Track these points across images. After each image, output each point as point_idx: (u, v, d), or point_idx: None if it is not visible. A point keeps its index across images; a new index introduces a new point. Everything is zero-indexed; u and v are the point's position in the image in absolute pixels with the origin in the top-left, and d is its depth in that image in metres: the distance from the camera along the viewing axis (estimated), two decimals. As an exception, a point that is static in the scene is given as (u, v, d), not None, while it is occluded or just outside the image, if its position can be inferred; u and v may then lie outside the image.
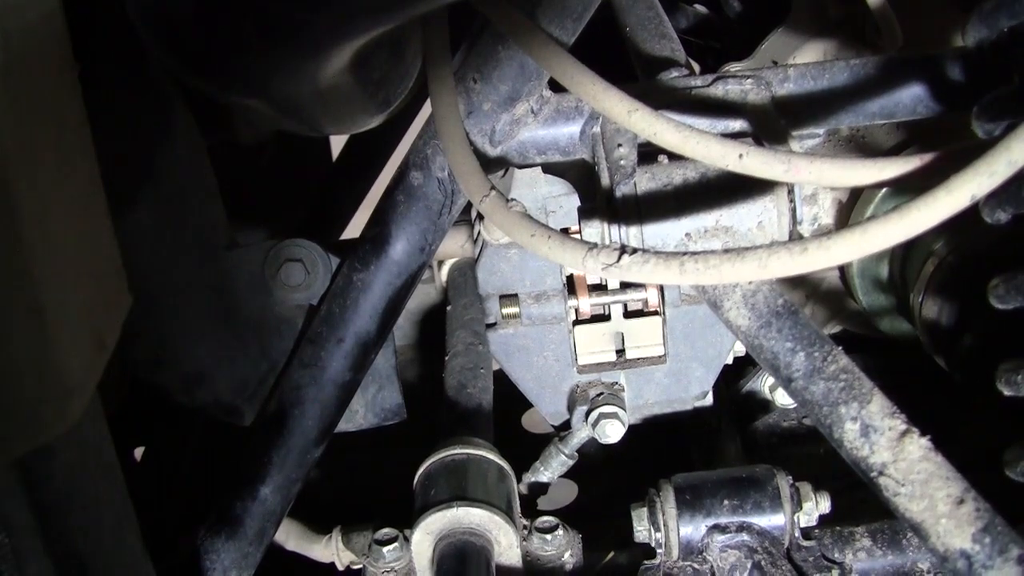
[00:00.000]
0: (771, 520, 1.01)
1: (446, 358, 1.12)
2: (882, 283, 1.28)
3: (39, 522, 0.57)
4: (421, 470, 1.04)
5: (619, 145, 0.89)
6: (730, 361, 1.15)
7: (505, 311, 1.13)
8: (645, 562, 1.03)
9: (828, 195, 1.23)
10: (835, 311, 1.37)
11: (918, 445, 0.78)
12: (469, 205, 0.98)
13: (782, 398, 1.33)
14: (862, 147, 1.23)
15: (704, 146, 0.75)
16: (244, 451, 0.96)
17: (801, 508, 1.03)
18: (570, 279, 1.11)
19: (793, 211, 0.86)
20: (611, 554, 1.13)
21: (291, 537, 1.17)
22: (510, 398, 1.22)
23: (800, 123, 0.94)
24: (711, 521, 1.00)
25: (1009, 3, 0.79)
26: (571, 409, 1.16)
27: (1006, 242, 1.05)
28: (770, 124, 0.90)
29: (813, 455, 1.23)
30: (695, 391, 1.15)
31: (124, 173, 0.82)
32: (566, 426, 1.19)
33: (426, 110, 0.93)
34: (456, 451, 0.97)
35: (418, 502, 1.01)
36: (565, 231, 0.99)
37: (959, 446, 0.81)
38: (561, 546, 1.03)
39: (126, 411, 1.26)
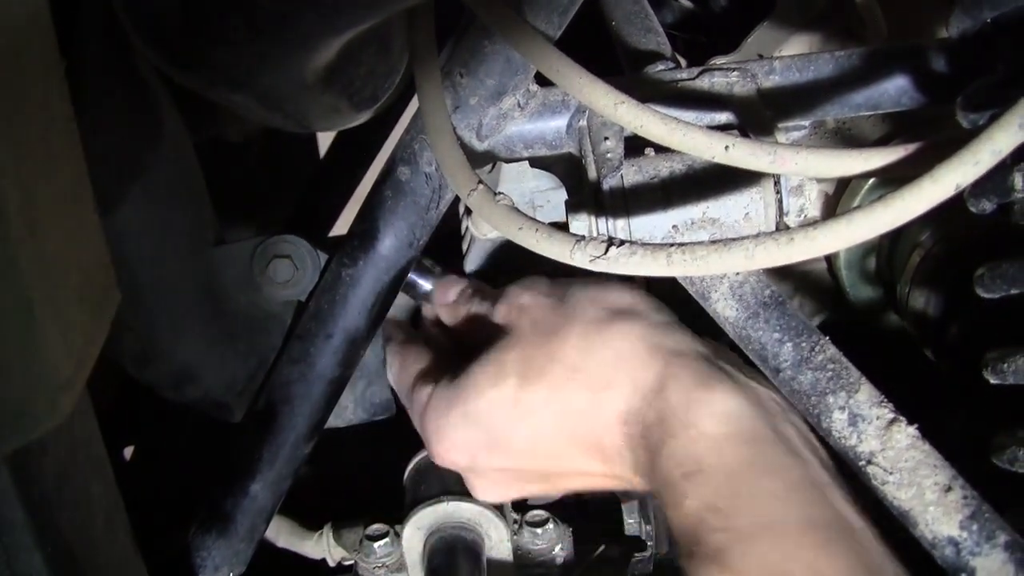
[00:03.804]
0: (760, 511, 1.01)
1: (435, 353, 1.12)
2: (869, 275, 1.28)
3: (30, 518, 0.57)
4: (411, 465, 1.04)
5: (605, 138, 0.90)
6: (718, 354, 1.15)
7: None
8: (636, 555, 1.03)
9: (815, 187, 1.23)
10: (822, 304, 1.38)
11: (906, 434, 0.78)
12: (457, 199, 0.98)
13: (771, 390, 1.33)
14: (848, 140, 1.23)
15: (690, 138, 0.75)
16: (234, 448, 0.96)
17: (790, 499, 1.03)
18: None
19: (780, 202, 0.87)
20: (601, 547, 1.14)
21: (282, 534, 1.17)
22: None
23: (786, 115, 0.94)
24: (701, 513, 1.00)
25: (992, -6, 0.79)
26: (561, 403, 1.16)
27: (991, 232, 1.05)
28: (756, 116, 0.90)
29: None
30: (684, 384, 1.15)
31: (111, 170, 0.81)
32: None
33: (413, 105, 0.93)
34: (446, 445, 0.97)
35: (408, 497, 1.02)
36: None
37: (947, 435, 0.82)
38: (552, 540, 1.03)
39: (116, 409, 1.26)
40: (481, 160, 0.97)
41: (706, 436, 0.75)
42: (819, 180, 1.22)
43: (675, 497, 0.74)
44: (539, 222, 0.78)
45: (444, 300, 1.01)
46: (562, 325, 0.84)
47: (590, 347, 0.82)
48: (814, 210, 1.26)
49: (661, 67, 1.00)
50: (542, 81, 0.87)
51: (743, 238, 0.69)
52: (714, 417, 0.76)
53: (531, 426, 0.84)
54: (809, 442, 0.80)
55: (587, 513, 1.12)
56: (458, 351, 0.96)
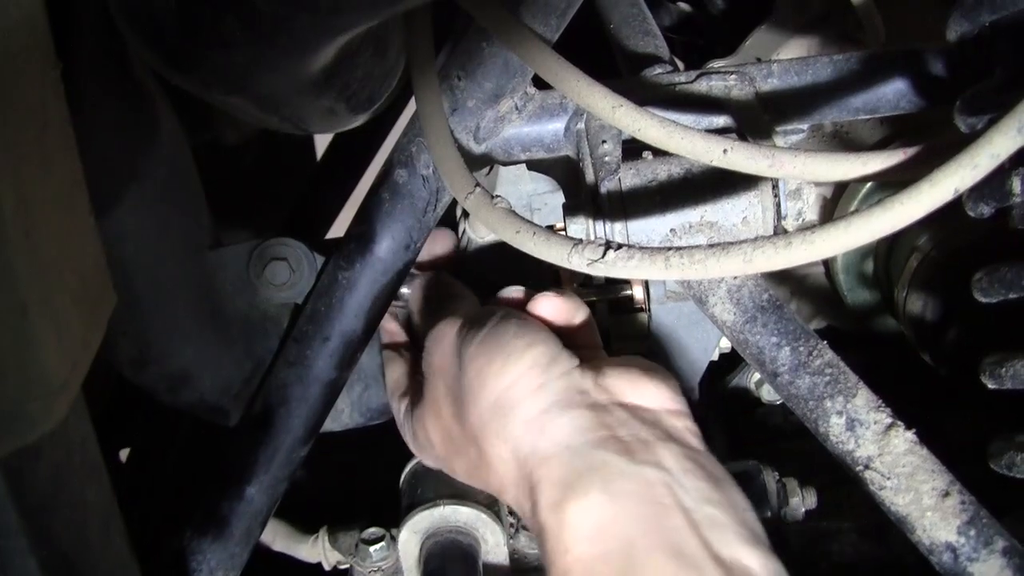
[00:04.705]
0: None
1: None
2: (867, 279, 1.28)
3: (24, 522, 0.57)
4: (407, 469, 1.04)
5: (603, 141, 0.89)
6: (716, 357, 1.15)
7: (491, 309, 1.13)
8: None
9: (813, 190, 1.23)
10: (820, 308, 1.38)
11: (903, 439, 0.78)
12: (454, 202, 0.98)
13: (768, 394, 1.33)
14: (846, 143, 1.23)
15: (688, 141, 0.75)
16: (230, 451, 0.96)
17: (788, 504, 1.03)
18: (555, 276, 1.11)
19: (778, 206, 0.87)
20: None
21: (278, 537, 1.17)
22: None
23: (784, 118, 0.94)
24: (698, 517, 1.00)
25: (991, -2, 0.79)
26: (557, 406, 1.16)
27: (989, 236, 1.05)
28: (754, 119, 0.90)
29: (799, 450, 1.23)
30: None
31: (107, 172, 0.81)
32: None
33: (410, 108, 0.93)
34: (442, 449, 0.97)
35: (405, 501, 1.01)
36: (550, 228, 0.99)
37: (944, 440, 0.82)
38: (548, 543, 1.03)
39: (112, 413, 1.26)
40: (478, 163, 0.97)
41: (578, 561, 0.71)
42: (817, 184, 1.22)
43: None
44: (537, 225, 0.78)
45: (413, 307, 1.04)
46: (462, 409, 0.84)
47: (480, 450, 0.83)
48: (812, 214, 1.26)
49: (659, 70, 1.00)
50: (540, 84, 0.87)
51: (741, 242, 0.69)
52: (583, 541, 0.71)
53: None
54: (699, 531, 0.71)
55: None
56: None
